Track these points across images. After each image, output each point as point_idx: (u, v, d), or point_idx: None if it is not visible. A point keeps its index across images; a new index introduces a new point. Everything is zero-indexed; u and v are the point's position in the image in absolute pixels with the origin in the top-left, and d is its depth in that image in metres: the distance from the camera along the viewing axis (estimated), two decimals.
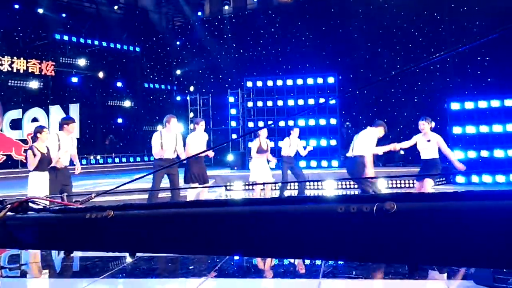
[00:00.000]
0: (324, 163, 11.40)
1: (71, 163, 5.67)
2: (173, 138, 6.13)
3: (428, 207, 0.64)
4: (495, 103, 9.30)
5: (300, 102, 11.88)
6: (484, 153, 9.19)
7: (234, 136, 13.15)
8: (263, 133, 7.25)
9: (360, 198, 0.70)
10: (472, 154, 9.30)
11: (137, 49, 15.88)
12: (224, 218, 0.78)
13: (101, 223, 0.86)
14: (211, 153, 6.69)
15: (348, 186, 9.51)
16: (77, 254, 4.38)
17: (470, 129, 9.38)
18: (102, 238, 0.90)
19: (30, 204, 1.01)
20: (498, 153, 9.07)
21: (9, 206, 0.99)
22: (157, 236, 0.84)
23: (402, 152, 10.99)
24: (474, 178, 9.20)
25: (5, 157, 12.37)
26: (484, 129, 9.26)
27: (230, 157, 12.25)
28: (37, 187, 5.16)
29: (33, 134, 5.46)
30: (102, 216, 0.86)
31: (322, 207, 0.72)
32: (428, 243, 0.63)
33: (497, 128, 9.15)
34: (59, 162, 5.39)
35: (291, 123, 11.09)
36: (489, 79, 11.05)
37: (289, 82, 12.13)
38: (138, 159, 15.37)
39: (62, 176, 5.43)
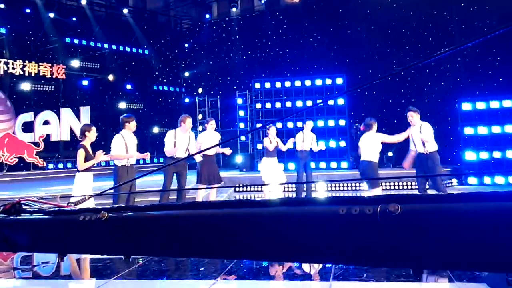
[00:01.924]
0: (333, 164, 11.34)
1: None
2: (186, 138, 6.16)
3: (433, 209, 0.61)
4: (507, 103, 9.17)
5: (309, 103, 11.85)
6: (497, 154, 9.06)
7: (243, 138, 13.16)
8: (272, 131, 7.29)
9: (363, 200, 0.67)
10: (484, 155, 9.17)
11: (146, 51, 16.00)
12: (222, 220, 0.75)
13: (95, 225, 0.83)
14: (228, 151, 6.62)
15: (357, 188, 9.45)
16: (85, 255, 4.43)
17: (482, 130, 9.26)
18: (96, 240, 0.87)
19: (23, 206, 0.98)
20: (511, 154, 8.93)
21: (1, 208, 0.97)
22: (152, 239, 0.81)
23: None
24: (487, 179, 9.08)
25: (17, 160, 12.55)
26: (496, 129, 9.13)
27: (238, 159, 12.26)
28: (84, 188, 4.96)
29: (80, 132, 5.24)
30: (96, 218, 0.83)
31: (323, 209, 0.69)
32: (433, 247, 0.60)
33: (510, 128, 9.02)
34: (130, 160, 5.37)
35: (299, 124, 11.05)
36: (500, 79, 10.89)
37: (298, 83, 12.10)
38: (148, 161, 15.47)
39: (132, 174, 5.40)
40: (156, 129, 16.25)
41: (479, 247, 0.57)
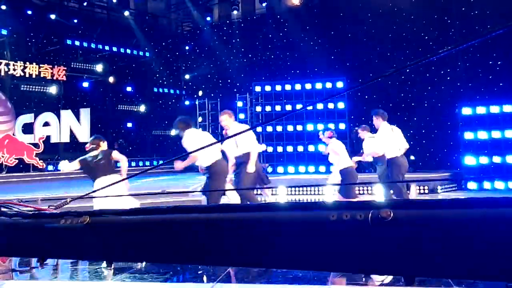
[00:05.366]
0: (333, 168, 11.32)
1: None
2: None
3: (427, 215, 0.59)
4: (508, 108, 9.18)
5: (309, 107, 11.87)
6: (497, 159, 9.06)
7: None
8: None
9: (355, 205, 0.65)
10: (484, 159, 9.17)
11: (147, 54, 16.03)
12: (206, 225, 0.72)
13: (76, 230, 0.81)
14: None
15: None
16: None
17: (482, 135, 9.26)
18: (77, 245, 0.84)
19: (2, 209, 0.95)
20: (511, 159, 8.93)
21: None
22: (136, 244, 0.78)
23: (412, 157, 10.88)
24: (486, 184, 9.07)
25: (17, 161, 12.54)
26: (496, 134, 9.14)
27: None
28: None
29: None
30: (77, 222, 0.81)
31: (312, 215, 0.66)
32: (427, 254, 0.58)
33: (510, 133, 9.03)
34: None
35: (299, 127, 11.07)
36: (501, 84, 10.90)
37: (298, 86, 12.12)
38: (148, 163, 15.46)
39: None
40: (156, 132, 16.25)
41: (475, 255, 0.55)
